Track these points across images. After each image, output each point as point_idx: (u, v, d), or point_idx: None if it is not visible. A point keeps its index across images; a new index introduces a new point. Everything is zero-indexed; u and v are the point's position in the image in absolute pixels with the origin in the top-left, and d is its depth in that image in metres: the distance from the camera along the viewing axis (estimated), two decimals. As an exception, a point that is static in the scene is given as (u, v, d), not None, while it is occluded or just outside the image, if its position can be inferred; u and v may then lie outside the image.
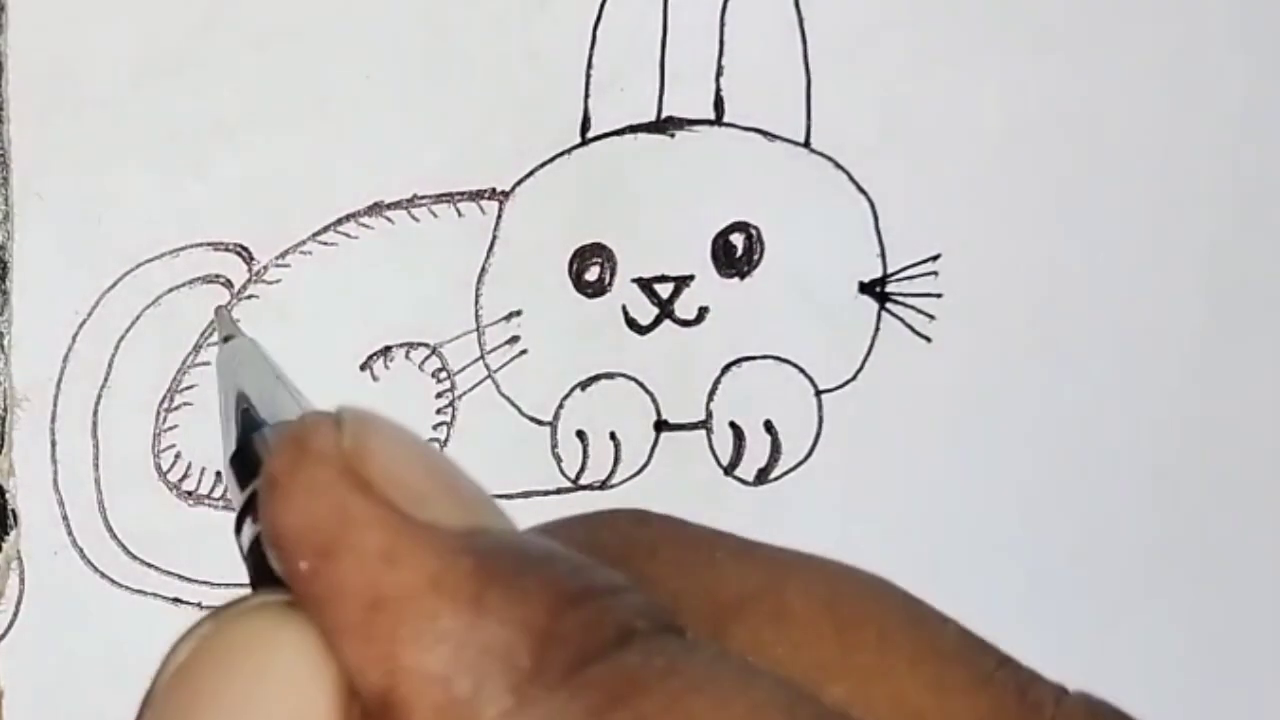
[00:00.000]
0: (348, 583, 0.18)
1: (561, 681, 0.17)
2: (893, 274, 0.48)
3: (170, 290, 0.44)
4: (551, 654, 0.17)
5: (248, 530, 0.20)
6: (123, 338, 0.44)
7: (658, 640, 0.17)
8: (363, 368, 0.45)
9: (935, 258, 0.48)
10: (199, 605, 0.45)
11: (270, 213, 0.44)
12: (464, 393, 0.46)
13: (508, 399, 0.46)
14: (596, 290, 0.46)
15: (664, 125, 0.46)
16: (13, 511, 0.44)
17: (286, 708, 0.18)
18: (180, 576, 0.45)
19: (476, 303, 0.46)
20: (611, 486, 0.47)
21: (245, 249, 0.45)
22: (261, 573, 0.19)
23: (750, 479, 0.48)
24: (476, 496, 0.19)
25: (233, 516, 0.20)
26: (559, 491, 0.47)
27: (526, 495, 0.46)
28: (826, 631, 0.20)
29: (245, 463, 0.21)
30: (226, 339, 0.24)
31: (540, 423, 0.47)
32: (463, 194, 0.46)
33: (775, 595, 0.20)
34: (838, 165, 0.47)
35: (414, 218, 0.45)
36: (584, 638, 0.17)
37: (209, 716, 0.18)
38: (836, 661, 0.20)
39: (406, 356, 0.46)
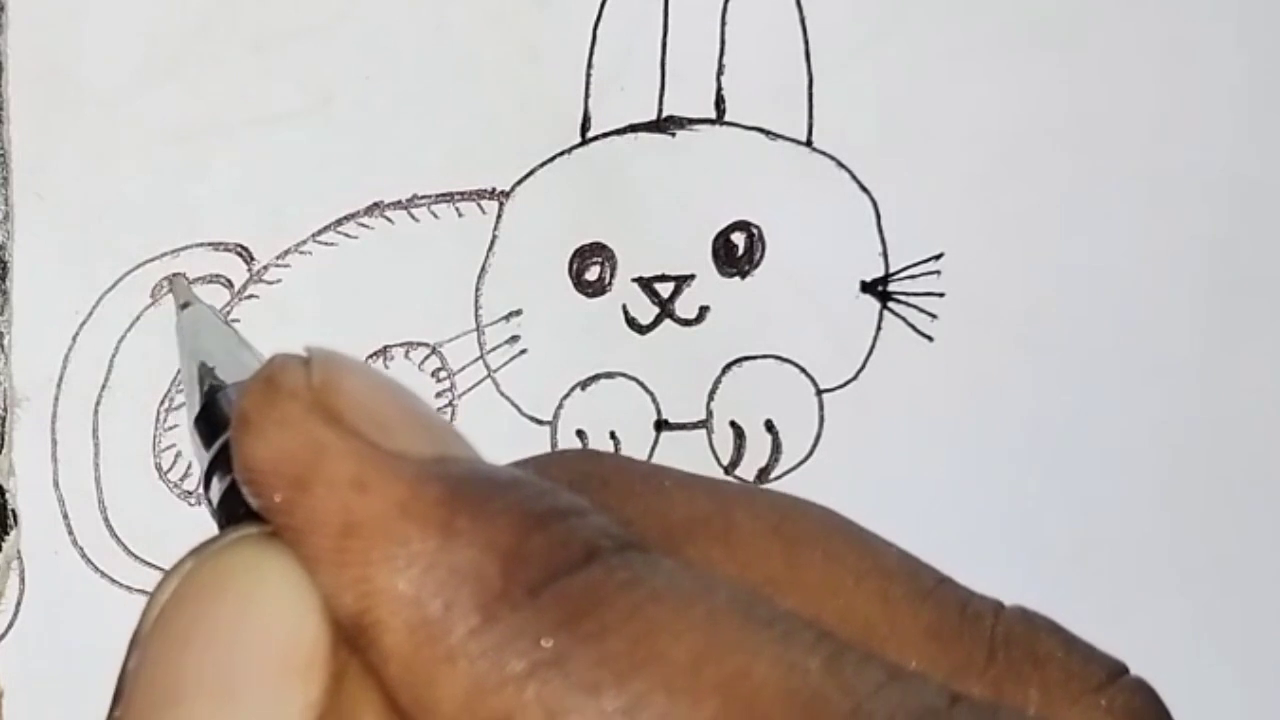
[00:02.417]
0: (321, 511, 0.18)
1: (528, 598, 0.17)
2: (894, 273, 0.48)
3: (170, 290, 0.44)
4: (518, 573, 0.18)
5: (216, 485, 0.20)
6: (123, 338, 0.44)
7: (621, 556, 0.18)
8: (362, 368, 0.45)
9: (937, 257, 0.48)
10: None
11: (270, 213, 0.44)
12: (464, 392, 0.46)
13: (508, 398, 0.46)
14: (597, 290, 0.46)
15: (665, 124, 0.46)
16: (13, 511, 0.44)
17: (276, 633, 0.18)
18: (181, 577, 0.45)
19: (476, 302, 0.46)
20: (612, 486, 0.47)
21: (245, 249, 0.45)
22: (232, 523, 0.19)
23: (751, 479, 0.48)
24: (443, 427, 0.19)
25: None
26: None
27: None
28: (774, 551, 0.21)
29: (210, 423, 0.21)
30: (184, 306, 0.24)
31: (540, 422, 0.47)
32: (463, 194, 0.46)
33: (723, 517, 0.21)
34: (839, 164, 0.47)
35: (414, 218, 0.45)
36: (550, 556, 0.18)
37: (200, 648, 0.18)
38: (785, 578, 0.20)
39: (406, 356, 0.46)
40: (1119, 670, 0.21)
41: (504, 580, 0.18)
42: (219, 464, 0.20)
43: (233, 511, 0.19)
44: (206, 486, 0.20)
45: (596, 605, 0.17)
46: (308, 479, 0.18)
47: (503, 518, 0.18)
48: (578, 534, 0.18)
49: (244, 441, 0.18)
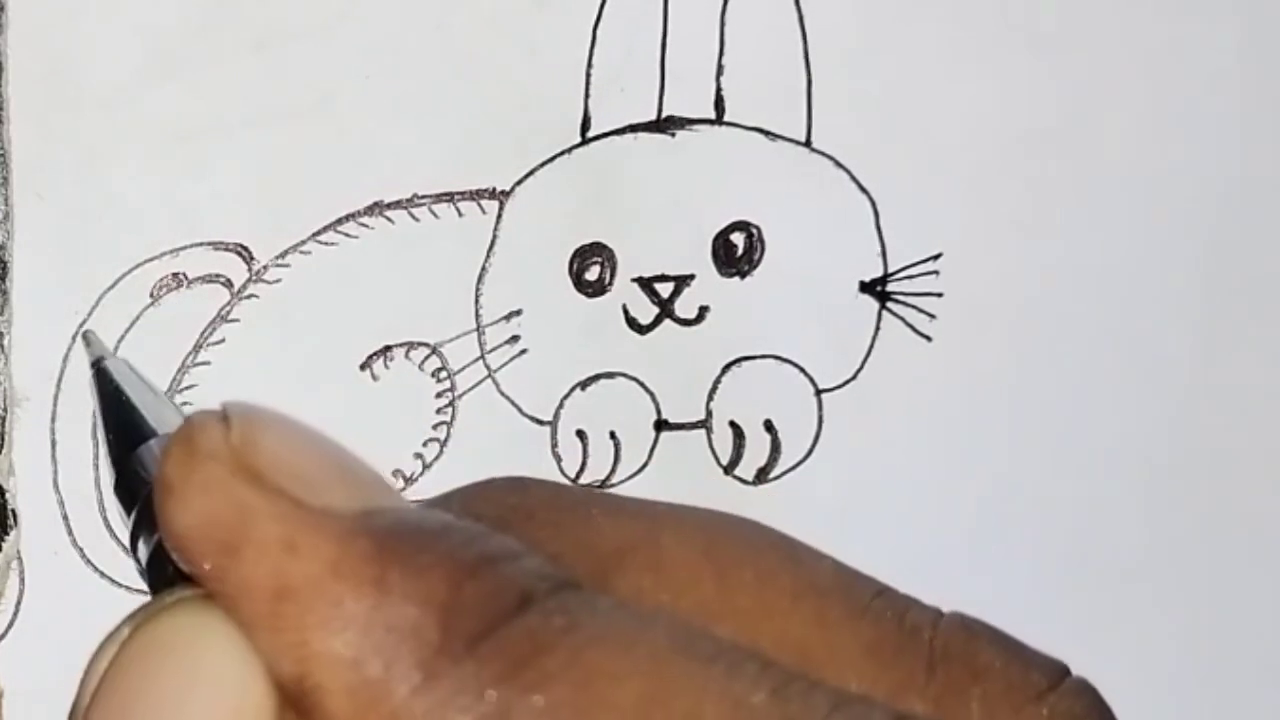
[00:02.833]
0: (252, 577, 0.18)
1: (467, 652, 0.17)
2: (893, 273, 0.48)
3: (170, 290, 0.44)
4: (456, 625, 0.17)
5: (143, 546, 0.20)
6: (122, 338, 0.44)
7: (556, 599, 0.18)
8: (363, 368, 0.45)
9: (936, 257, 0.48)
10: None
11: (270, 213, 0.44)
12: (464, 392, 0.46)
13: (508, 398, 0.46)
14: (596, 290, 0.46)
15: (664, 125, 0.46)
16: (13, 511, 0.44)
17: (221, 700, 0.18)
18: (180, 576, 0.45)
19: (476, 302, 0.46)
20: (611, 486, 0.47)
21: (245, 249, 0.45)
22: (162, 584, 0.19)
23: (750, 478, 0.48)
24: (368, 478, 0.19)
25: None
26: (559, 491, 0.47)
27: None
28: (705, 576, 0.21)
29: (131, 481, 0.21)
30: (97, 362, 0.24)
31: (540, 422, 0.47)
32: (463, 194, 0.46)
33: (651, 545, 0.21)
34: (839, 164, 0.47)
35: (414, 218, 0.45)
36: (485, 606, 0.18)
37: (145, 718, 0.18)
38: (718, 604, 0.20)
39: (406, 356, 0.46)
40: (1060, 674, 0.21)
41: (442, 635, 0.17)
42: (144, 523, 0.20)
43: (162, 571, 0.19)
44: (134, 548, 0.20)
45: (537, 653, 0.17)
46: (235, 544, 0.18)
47: (435, 570, 0.18)
48: (511, 580, 0.18)
49: (168, 508, 0.18)
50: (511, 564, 0.18)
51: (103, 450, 0.22)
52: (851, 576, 0.21)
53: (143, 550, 0.20)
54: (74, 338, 0.44)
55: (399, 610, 0.17)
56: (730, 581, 0.21)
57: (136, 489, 0.20)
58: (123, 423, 0.22)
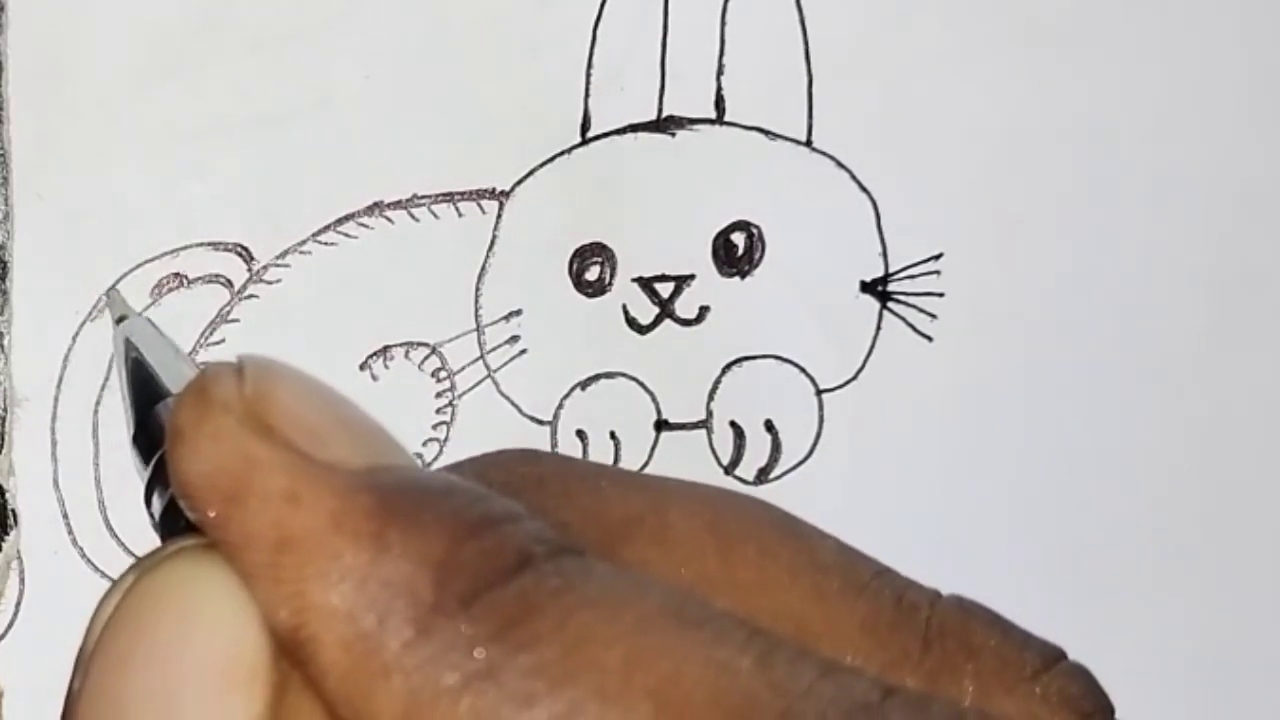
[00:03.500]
0: (254, 526, 0.18)
1: (460, 609, 0.17)
2: (894, 273, 0.48)
3: (170, 290, 0.44)
4: (451, 584, 0.18)
5: (157, 500, 0.20)
6: (123, 338, 0.44)
7: (554, 562, 0.18)
8: (362, 367, 0.45)
9: (937, 257, 0.48)
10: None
11: (270, 213, 0.44)
12: (464, 392, 0.46)
13: (508, 398, 0.46)
14: (597, 290, 0.46)
15: (664, 124, 0.46)
16: (13, 511, 0.44)
17: (216, 648, 0.18)
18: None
19: (476, 302, 0.46)
20: (612, 486, 0.47)
21: (245, 249, 0.45)
22: (174, 536, 0.19)
23: (750, 478, 0.48)
24: (378, 435, 0.19)
25: None
26: (559, 491, 0.47)
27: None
28: (708, 549, 0.21)
29: (149, 437, 0.21)
30: (120, 319, 0.24)
31: (540, 422, 0.47)
32: (463, 194, 0.46)
33: (658, 517, 0.21)
34: (839, 164, 0.47)
35: (414, 218, 0.45)
36: (482, 566, 0.18)
37: (141, 666, 0.18)
38: (719, 577, 0.21)
39: (406, 356, 0.46)
40: (1055, 656, 0.21)
41: (436, 592, 0.17)
42: (159, 478, 0.20)
43: (173, 525, 0.19)
44: (149, 501, 0.20)
45: (528, 614, 0.17)
46: (240, 493, 0.18)
47: (434, 528, 0.18)
48: (510, 541, 0.18)
49: (178, 456, 0.18)
50: (512, 526, 0.18)
51: (124, 405, 0.22)
52: (853, 555, 0.21)
53: (156, 505, 0.20)
54: (74, 338, 0.44)
55: (396, 566, 0.18)
56: (733, 556, 0.21)
57: (154, 444, 0.20)
58: (143, 380, 0.22)
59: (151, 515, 0.20)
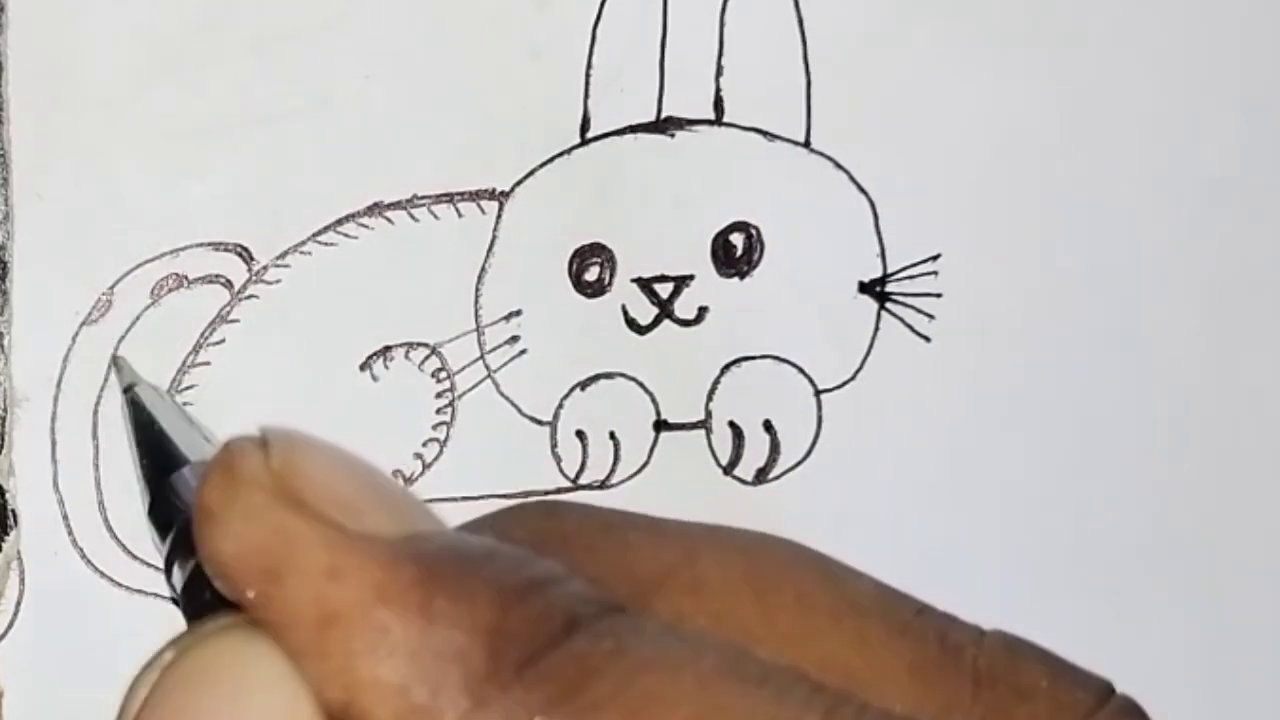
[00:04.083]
0: (296, 604, 0.18)
1: (516, 678, 0.17)
2: (893, 274, 0.48)
3: (170, 290, 0.44)
4: (503, 651, 0.17)
5: (178, 572, 0.20)
6: (123, 338, 0.44)
7: (603, 623, 0.18)
8: (362, 368, 0.45)
9: (935, 258, 0.48)
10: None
11: (270, 213, 0.44)
12: (464, 393, 0.46)
13: (507, 399, 0.46)
14: (596, 290, 0.46)
15: (664, 125, 0.46)
16: (13, 511, 0.44)
17: None
18: (180, 576, 0.45)
19: (476, 303, 0.46)
20: (611, 486, 0.47)
21: (245, 249, 0.45)
22: (199, 610, 0.19)
23: (749, 479, 0.48)
24: (409, 502, 0.19)
25: None
26: (558, 491, 0.47)
27: (526, 495, 0.46)
28: (746, 598, 0.20)
29: (165, 508, 0.21)
30: (129, 388, 0.24)
31: (540, 422, 0.47)
32: (463, 194, 0.46)
33: (690, 568, 0.21)
34: (838, 165, 0.47)
35: (414, 218, 0.45)
36: (533, 631, 0.18)
37: None
38: (759, 626, 0.20)
39: (406, 356, 0.46)
40: (1106, 692, 0.21)
41: (490, 661, 0.17)
42: (179, 549, 0.20)
43: (199, 596, 0.19)
44: (169, 573, 0.20)
45: (586, 679, 0.17)
46: (279, 571, 0.18)
47: (481, 595, 0.18)
48: (558, 604, 0.18)
49: (209, 536, 0.18)
50: (557, 588, 0.18)
51: (136, 474, 0.22)
52: (891, 595, 0.21)
53: (178, 576, 0.20)
54: (74, 338, 0.44)
55: (446, 636, 0.17)
56: (770, 603, 0.20)
57: (171, 515, 0.20)
58: (156, 449, 0.22)
59: (172, 586, 0.20)
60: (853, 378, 0.48)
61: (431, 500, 0.48)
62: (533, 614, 0.18)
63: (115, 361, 0.42)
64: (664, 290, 0.47)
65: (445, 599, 0.18)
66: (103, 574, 0.44)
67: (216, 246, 0.44)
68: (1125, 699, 0.21)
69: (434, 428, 0.46)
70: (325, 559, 0.18)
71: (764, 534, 0.22)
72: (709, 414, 0.48)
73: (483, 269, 0.46)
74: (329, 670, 0.18)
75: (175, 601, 0.20)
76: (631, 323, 0.47)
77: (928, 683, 0.20)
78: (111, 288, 0.44)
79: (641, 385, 0.47)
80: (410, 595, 0.18)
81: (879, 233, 0.48)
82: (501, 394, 0.46)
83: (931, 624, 0.21)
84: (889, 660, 0.20)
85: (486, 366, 0.46)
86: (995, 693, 0.20)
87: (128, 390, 0.23)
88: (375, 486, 0.19)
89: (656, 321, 0.47)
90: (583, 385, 0.47)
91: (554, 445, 0.47)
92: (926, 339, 0.48)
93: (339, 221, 0.45)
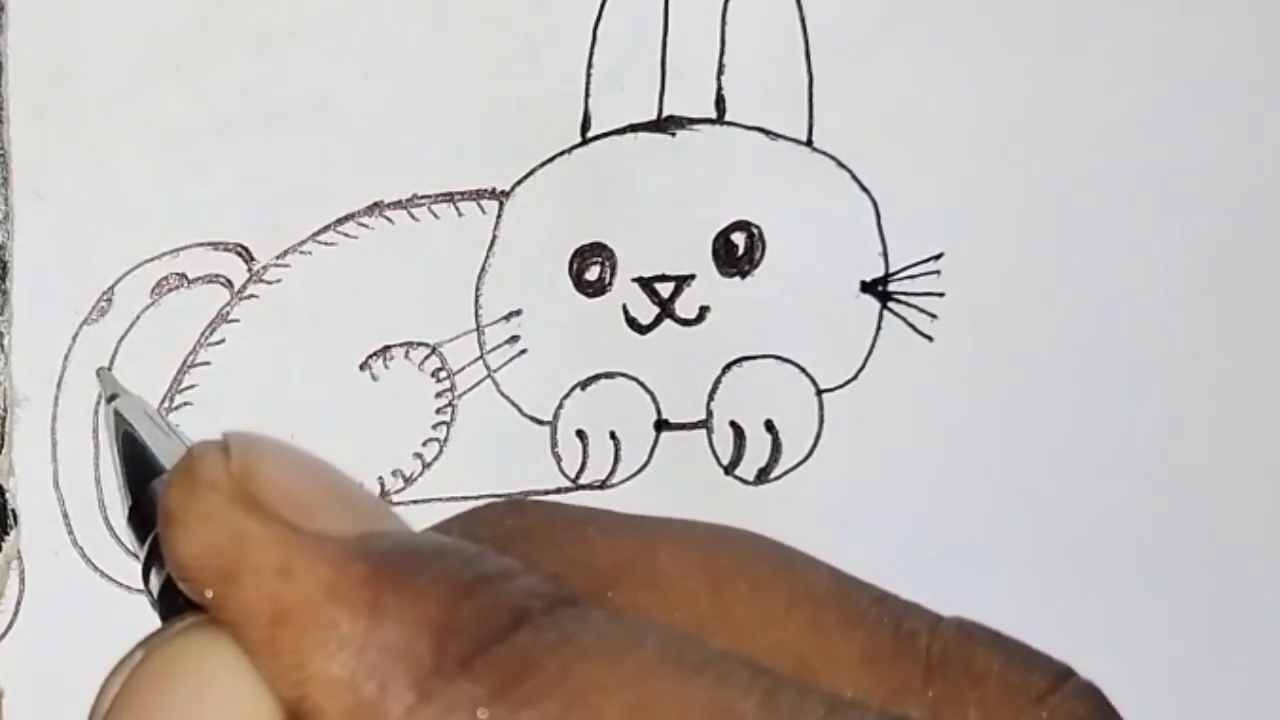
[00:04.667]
0: (250, 602, 0.18)
1: (460, 671, 0.17)
2: (894, 273, 0.48)
3: (170, 290, 0.44)
4: (449, 646, 0.18)
5: (154, 578, 0.20)
6: (123, 338, 0.44)
7: (551, 616, 0.18)
8: (362, 368, 0.45)
9: (937, 257, 0.48)
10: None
11: (270, 213, 0.44)
12: (464, 392, 0.46)
13: (508, 398, 0.46)
14: (597, 290, 0.46)
15: (665, 124, 0.46)
16: (13, 511, 0.44)
17: (232, 717, 0.18)
18: (180, 577, 0.45)
19: (476, 302, 0.46)
20: (611, 486, 0.47)
21: (245, 249, 0.45)
22: (172, 613, 0.19)
23: (751, 478, 0.48)
24: (367, 503, 0.19)
25: None
26: (559, 491, 0.47)
27: (526, 495, 0.46)
28: (701, 589, 0.21)
29: (144, 516, 0.21)
30: (111, 398, 0.24)
31: (540, 422, 0.47)
32: (463, 194, 0.45)
33: (648, 560, 0.21)
34: (840, 164, 0.47)
35: (414, 218, 0.45)
36: (479, 625, 0.18)
37: None
38: (713, 617, 0.20)
39: (406, 356, 0.46)
40: (1061, 676, 0.21)
41: (436, 655, 0.18)
42: (156, 555, 0.20)
43: (173, 602, 0.19)
44: (146, 579, 0.20)
45: (528, 670, 0.17)
46: (234, 571, 0.18)
47: (430, 590, 0.18)
48: (506, 599, 0.18)
49: (171, 538, 0.19)
50: (507, 582, 0.18)
51: (118, 483, 0.22)
52: (848, 584, 0.21)
53: (154, 582, 0.20)
54: (74, 338, 0.44)
55: (393, 631, 0.18)
56: (725, 593, 0.21)
57: (149, 524, 0.21)
58: (136, 459, 0.22)
59: (149, 592, 0.20)
60: (854, 377, 0.48)
61: (431, 500, 0.48)
62: (480, 608, 0.18)
63: (98, 373, 0.43)
64: (665, 290, 0.47)
65: (394, 595, 0.18)
66: (103, 573, 0.44)
67: (216, 246, 0.44)
68: (1083, 682, 0.21)
69: (434, 427, 0.46)
70: (278, 558, 0.18)
71: (723, 526, 0.22)
72: (710, 414, 0.48)
73: (483, 268, 0.46)
74: (282, 667, 0.18)
75: (154, 605, 0.20)
76: (632, 322, 0.47)
77: (880, 668, 0.20)
78: (111, 288, 0.44)
79: (642, 385, 0.47)
80: (359, 592, 0.18)
81: (881, 232, 0.48)
82: (502, 394, 0.46)
83: (887, 611, 0.21)
84: (841, 647, 0.20)
85: (486, 366, 0.46)
86: (947, 677, 0.20)
87: (110, 400, 0.24)
88: (333, 488, 0.19)
89: (657, 321, 0.47)
90: (583, 385, 0.47)
91: (554, 445, 0.47)
92: (929, 338, 0.48)
93: (339, 221, 0.45)
